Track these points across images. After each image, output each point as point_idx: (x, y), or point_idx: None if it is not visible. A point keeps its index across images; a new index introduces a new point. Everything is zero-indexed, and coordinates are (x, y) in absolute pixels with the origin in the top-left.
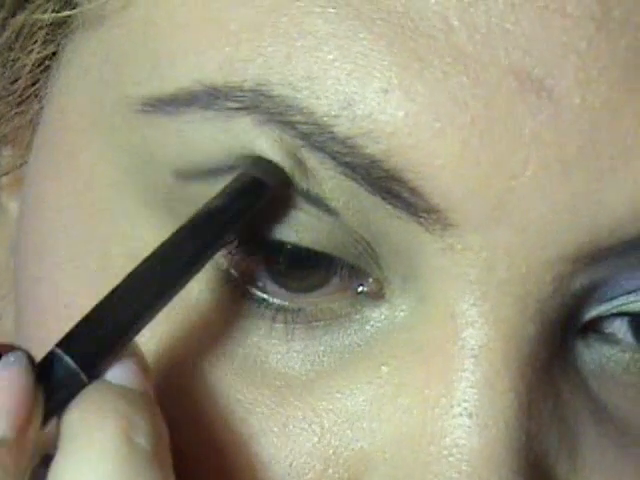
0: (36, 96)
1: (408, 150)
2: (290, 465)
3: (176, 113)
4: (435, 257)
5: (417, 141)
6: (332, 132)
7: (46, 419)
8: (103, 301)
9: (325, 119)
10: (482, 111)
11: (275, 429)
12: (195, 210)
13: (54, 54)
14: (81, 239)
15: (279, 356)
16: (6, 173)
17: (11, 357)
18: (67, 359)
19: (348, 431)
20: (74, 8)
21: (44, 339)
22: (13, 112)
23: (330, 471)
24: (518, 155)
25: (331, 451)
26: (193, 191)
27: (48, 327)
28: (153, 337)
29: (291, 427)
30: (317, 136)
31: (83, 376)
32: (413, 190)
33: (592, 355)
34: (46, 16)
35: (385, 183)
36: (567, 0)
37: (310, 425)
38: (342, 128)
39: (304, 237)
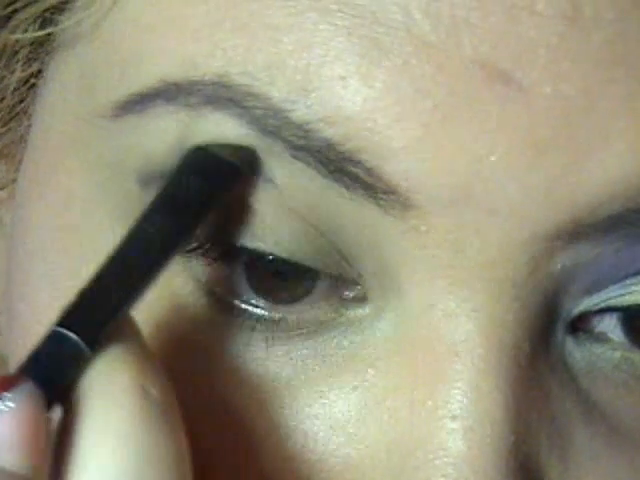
0: (25, 113)
1: (366, 133)
2: (272, 471)
3: (143, 110)
4: (400, 241)
5: (375, 125)
6: (288, 117)
7: (55, 401)
8: (95, 278)
9: (281, 104)
10: (445, 97)
11: (256, 436)
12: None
13: (39, 72)
14: (58, 259)
15: (259, 362)
16: (1, 188)
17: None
18: (72, 336)
19: (334, 437)
20: (53, 27)
21: None
22: (4, 129)
23: (315, 478)
24: (483, 139)
25: (316, 458)
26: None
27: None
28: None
29: (273, 434)
30: (272, 120)
31: (88, 352)
32: (369, 171)
33: (582, 353)
34: (26, 35)
35: (341, 164)
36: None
37: (293, 431)
38: (298, 113)
39: (270, 245)
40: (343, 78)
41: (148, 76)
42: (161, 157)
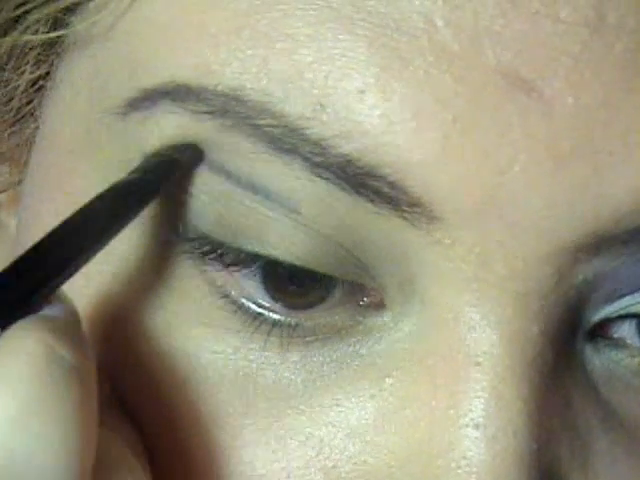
0: (31, 115)
1: (383, 147)
2: (287, 477)
3: (150, 107)
4: (425, 254)
5: (393, 138)
6: (304, 134)
7: None
8: (21, 257)
9: (297, 122)
10: (466, 109)
11: (272, 441)
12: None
13: (48, 74)
14: None
15: (274, 367)
16: (4, 190)
17: None
18: None
19: (350, 445)
20: (64, 28)
21: None
22: (9, 131)
23: None
24: (505, 151)
25: (331, 464)
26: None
27: None
28: (144, 350)
29: (288, 439)
30: (288, 138)
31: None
32: (392, 184)
33: (601, 360)
34: (36, 37)
35: (362, 180)
36: (560, 7)
37: (309, 438)
38: (315, 130)
39: (285, 253)
40: (362, 92)
41: (159, 73)
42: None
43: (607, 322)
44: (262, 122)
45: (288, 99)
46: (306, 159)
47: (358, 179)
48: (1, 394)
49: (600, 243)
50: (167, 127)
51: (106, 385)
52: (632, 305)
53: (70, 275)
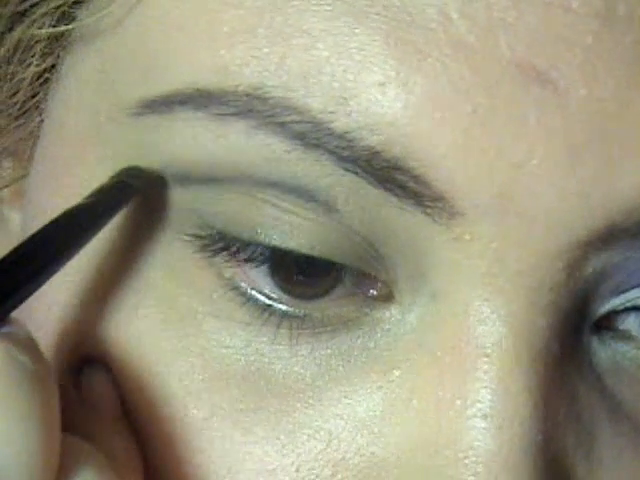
0: (36, 108)
1: (408, 139)
2: (297, 470)
3: (169, 112)
4: (444, 250)
5: (417, 130)
6: (329, 128)
7: None
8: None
9: (321, 116)
10: (484, 100)
11: (281, 436)
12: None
13: (53, 67)
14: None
15: (283, 361)
16: (7, 185)
17: None
18: None
19: (358, 436)
20: (72, 22)
21: None
22: (13, 125)
23: (339, 476)
24: (522, 144)
25: (340, 457)
26: (178, 197)
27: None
28: (144, 346)
29: (298, 434)
30: (313, 134)
31: None
32: (417, 178)
33: (607, 352)
34: (43, 31)
35: (388, 173)
36: None
37: (317, 431)
38: (339, 123)
39: (302, 243)
40: (382, 84)
41: (177, 79)
42: (186, 160)
43: (613, 314)
44: (287, 119)
45: (310, 94)
46: (333, 153)
47: (385, 172)
48: None
49: (610, 236)
50: (189, 133)
51: (107, 396)
52: (638, 298)
53: (28, 295)
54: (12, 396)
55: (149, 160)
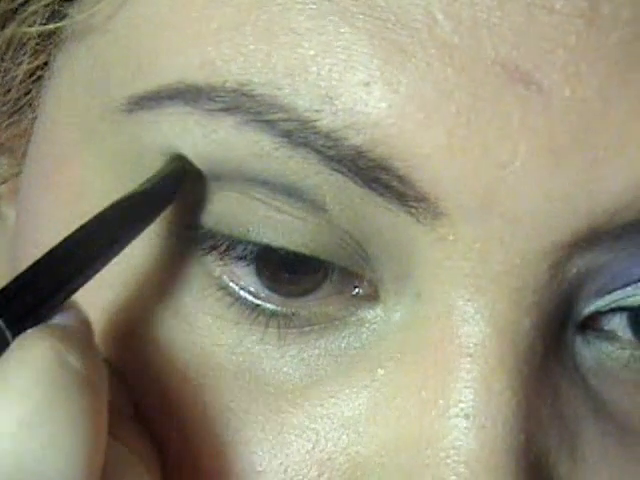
0: (30, 105)
1: (393, 139)
2: (284, 471)
3: (159, 107)
4: (428, 250)
5: (401, 131)
6: (315, 127)
7: None
8: (34, 264)
9: (307, 114)
10: (468, 101)
11: (270, 437)
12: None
13: (45, 64)
14: None
15: (273, 362)
16: (3, 182)
17: None
18: None
19: (344, 436)
20: (63, 19)
21: None
22: (7, 122)
23: (325, 476)
24: (507, 145)
25: (326, 457)
26: None
27: None
28: (142, 341)
29: (285, 434)
30: (299, 132)
31: (8, 334)
32: (402, 178)
33: (591, 352)
34: (34, 28)
35: (373, 173)
36: None
37: (305, 431)
38: (325, 122)
39: (290, 240)
40: (367, 84)
41: (166, 75)
42: (180, 154)
43: (598, 315)
44: (273, 117)
45: (296, 92)
46: (319, 152)
47: (370, 172)
48: (11, 400)
49: (594, 238)
50: (180, 128)
51: (122, 395)
52: (623, 299)
53: (81, 284)
54: (60, 402)
55: (144, 156)
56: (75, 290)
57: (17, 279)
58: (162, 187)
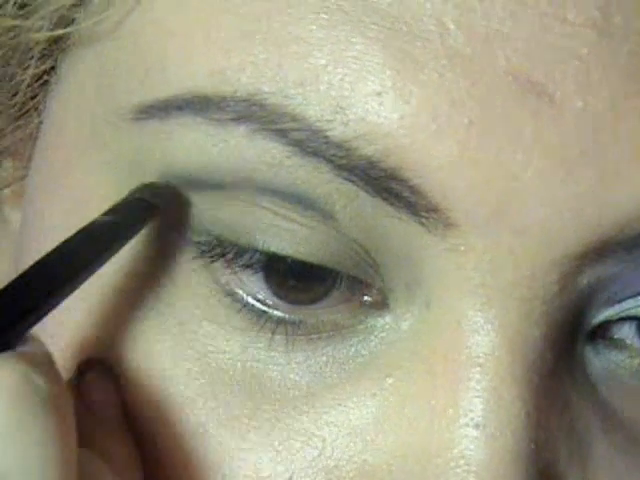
0: (35, 109)
1: (405, 150)
2: (290, 478)
3: (167, 117)
4: (438, 260)
5: (413, 141)
6: (326, 136)
7: None
8: (5, 288)
9: (318, 124)
10: (480, 112)
11: (275, 443)
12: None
13: (52, 68)
14: None
15: (279, 368)
16: (7, 185)
17: None
18: None
19: (351, 444)
20: (70, 25)
21: None
22: (13, 125)
23: None
24: (518, 156)
25: (333, 464)
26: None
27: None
28: (142, 350)
29: (292, 441)
30: (311, 142)
31: None
32: (413, 188)
33: (601, 361)
34: (42, 34)
35: (385, 183)
36: (567, 7)
37: (311, 438)
38: (336, 132)
39: (298, 249)
40: (379, 94)
41: (175, 84)
42: (187, 166)
43: (608, 324)
44: (285, 126)
45: (307, 102)
46: (330, 161)
47: (381, 182)
48: None
49: (604, 249)
50: (189, 139)
51: (109, 403)
52: (633, 308)
53: (43, 315)
54: (29, 421)
55: (149, 164)
56: (36, 322)
57: (6, 287)
58: (127, 218)
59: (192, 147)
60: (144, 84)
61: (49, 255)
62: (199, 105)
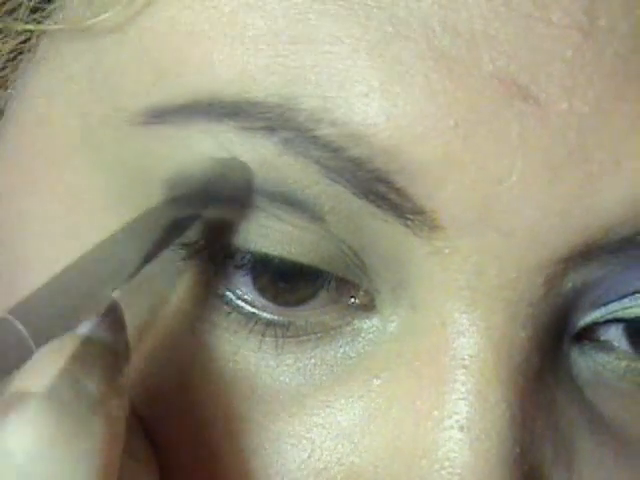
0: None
1: (391, 152)
2: None
3: (185, 123)
4: (424, 262)
5: (399, 143)
6: (314, 136)
7: None
8: (59, 275)
9: (306, 124)
10: (466, 115)
11: (266, 445)
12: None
13: (25, 42)
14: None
15: (270, 370)
16: None
17: None
18: (18, 325)
19: (339, 446)
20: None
21: None
22: None
23: None
24: (504, 160)
25: (322, 466)
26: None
27: None
28: (137, 353)
29: (282, 443)
30: (299, 141)
31: (31, 342)
32: (399, 191)
33: (587, 363)
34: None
35: (371, 185)
36: (552, 10)
37: (300, 441)
38: (323, 132)
39: (289, 250)
40: (366, 95)
41: (195, 87)
42: (196, 170)
43: (594, 326)
44: (273, 124)
45: (295, 101)
46: (318, 162)
47: (368, 184)
48: (22, 428)
49: (589, 253)
50: (208, 144)
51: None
52: (619, 310)
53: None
54: (78, 432)
55: (154, 169)
56: (102, 302)
57: (42, 289)
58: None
59: (204, 152)
60: (157, 87)
61: (109, 239)
62: (221, 111)
